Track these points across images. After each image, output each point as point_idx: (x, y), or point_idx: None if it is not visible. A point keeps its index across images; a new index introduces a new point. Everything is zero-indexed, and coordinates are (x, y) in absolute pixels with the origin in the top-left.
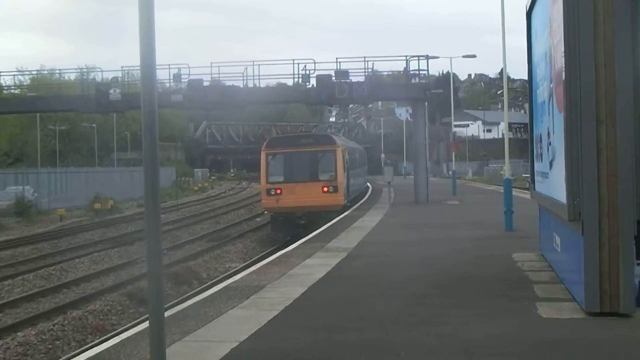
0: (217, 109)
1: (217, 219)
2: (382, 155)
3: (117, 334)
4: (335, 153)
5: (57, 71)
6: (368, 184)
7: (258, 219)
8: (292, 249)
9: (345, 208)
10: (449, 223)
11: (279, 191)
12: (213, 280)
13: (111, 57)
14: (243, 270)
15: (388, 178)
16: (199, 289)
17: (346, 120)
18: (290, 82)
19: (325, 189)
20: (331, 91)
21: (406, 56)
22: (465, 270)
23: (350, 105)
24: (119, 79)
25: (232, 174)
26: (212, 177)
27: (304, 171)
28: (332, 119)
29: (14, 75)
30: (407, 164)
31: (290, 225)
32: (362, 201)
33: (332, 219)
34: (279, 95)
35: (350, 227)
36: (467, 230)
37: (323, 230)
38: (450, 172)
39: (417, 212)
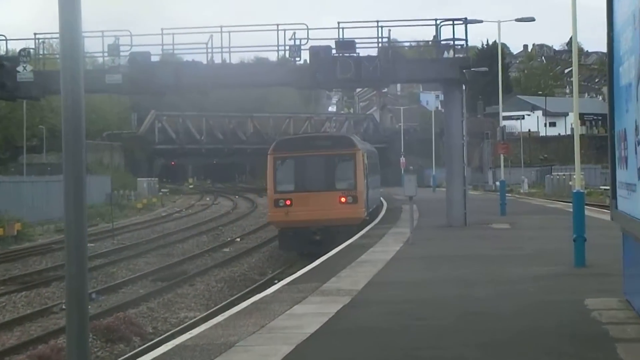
0: (171, 94)
1: (169, 249)
2: (402, 160)
3: None
4: (354, 157)
5: None
6: (381, 198)
7: (227, 249)
8: (275, 292)
9: (364, 223)
10: (496, 256)
11: (288, 202)
12: (162, 337)
13: (21, 21)
14: (205, 322)
15: (410, 191)
16: (141, 348)
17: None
18: (273, 57)
19: (343, 199)
20: (331, 69)
21: (436, 20)
22: (519, 324)
23: (358, 90)
24: (31, 51)
25: (191, 185)
26: (164, 190)
27: (319, 179)
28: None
29: None
30: (438, 171)
31: (303, 242)
32: (373, 223)
33: (351, 235)
34: (258, 76)
35: (357, 261)
36: (522, 265)
37: (319, 265)
38: (498, 183)
39: (450, 239)
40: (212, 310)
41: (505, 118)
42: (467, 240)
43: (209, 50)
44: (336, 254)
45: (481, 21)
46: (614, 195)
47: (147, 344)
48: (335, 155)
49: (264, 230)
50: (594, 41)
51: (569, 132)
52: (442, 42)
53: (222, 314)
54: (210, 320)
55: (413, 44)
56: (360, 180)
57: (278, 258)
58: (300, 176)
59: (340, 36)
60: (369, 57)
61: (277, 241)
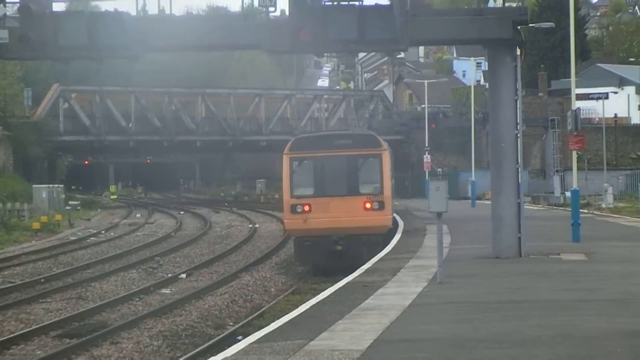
0: (84, 59)
1: (80, 290)
2: (427, 159)
3: None
4: (380, 158)
5: None
6: (395, 215)
7: (166, 290)
8: (237, 355)
9: (390, 232)
10: (566, 301)
11: (307, 208)
12: None
13: None
14: None
15: (438, 206)
16: None
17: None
18: (235, 6)
19: (369, 205)
20: (320, 25)
21: None
22: None
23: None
24: None
25: (114, 196)
26: (72, 203)
27: (341, 182)
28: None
29: None
30: (479, 176)
31: (322, 252)
32: (383, 252)
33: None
34: (213, 34)
35: (360, 308)
36: (604, 316)
37: (304, 312)
38: (568, 194)
39: (497, 276)
40: None
41: (580, 97)
42: (522, 278)
43: None
44: (330, 296)
45: None
46: None
47: None
48: (359, 155)
49: (224, 260)
50: None
51: None
52: None
53: None
54: None
55: None
56: (387, 184)
57: (245, 300)
58: (320, 179)
59: None
60: (377, 8)
61: (294, 252)
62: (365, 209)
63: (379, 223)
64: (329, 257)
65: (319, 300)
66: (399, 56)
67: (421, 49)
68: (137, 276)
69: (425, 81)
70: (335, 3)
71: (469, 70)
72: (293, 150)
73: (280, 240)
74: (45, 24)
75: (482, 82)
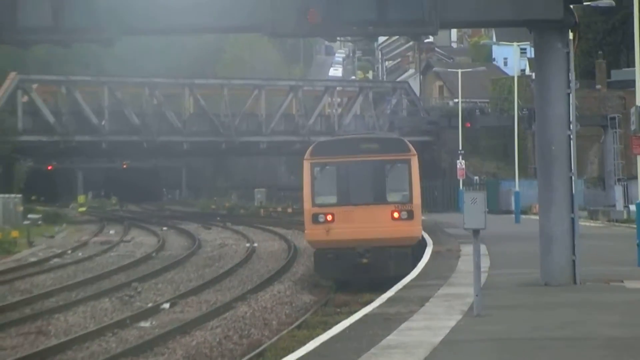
0: (48, 43)
1: (41, 323)
2: (460, 164)
3: None
4: (409, 164)
5: None
6: (422, 233)
7: (146, 324)
8: None
9: (419, 246)
10: (631, 339)
11: (330, 218)
12: None
13: None
14: None
15: (473, 221)
16: None
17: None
18: None
19: (397, 214)
20: (332, 4)
21: None
22: None
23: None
24: None
25: (83, 208)
26: (32, 217)
27: (366, 189)
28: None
29: None
30: (524, 186)
31: (346, 266)
32: (409, 278)
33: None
34: (203, 13)
35: (380, 346)
36: None
37: (312, 351)
38: (633, 207)
39: (546, 308)
40: None
41: None
42: (577, 310)
43: None
44: (344, 331)
45: None
46: None
47: None
48: (386, 160)
49: (215, 286)
50: None
51: None
52: None
53: None
54: None
55: None
56: (416, 191)
57: (241, 336)
58: (344, 186)
59: None
60: None
61: (314, 266)
62: (393, 218)
63: (408, 234)
64: (354, 271)
65: (330, 336)
66: (426, 40)
67: (453, 32)
68: (110, 306)
69: (459, 70)
70: None
71: (512, 57)
72: (314, 155)
73: (283, 263)
74: (1, 2)
75: (527, 71)
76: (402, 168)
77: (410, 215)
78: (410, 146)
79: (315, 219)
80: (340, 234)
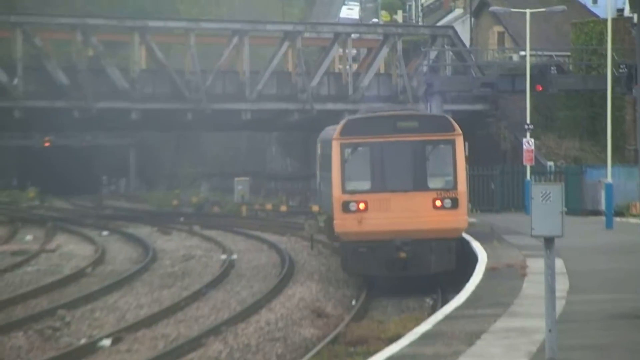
0: None
1: None
2: (528, 143)
3: None
4: (454, 145)
5: None
6: (468, 238)
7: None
8: None
9: (464, 249)
10: None
11: (362, 206)
12: None
13: None
14: None
15: (545, 225)
16: None
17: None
18: None
19: (439, 202)
20: None
21: None
22: None
23: None
24: None
25: None
26: None
27: (405, 174)
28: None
29: None
30: (620, 173)
31: (380, 261)
32: (453, 306)
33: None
34: None
35: None
36: None
37: None
38: None
39: None
40: None
41: None
42: None
43: None
44: None
45: None
46: None
47: None
48: (428, 141)
49: (177, 316)
50: None
51: None
52: None
53: None
54: None
55: None
56: (461, 177)
57: None
58: (379, 170)
59: None
60: None
61: (343, 261)
62: (435, 207)
63: (451, 225)
64: (389, 267)
65: None
66: None
67: None
68: (25, 343)
69: (527, 10)
70: None
71: None
72: (345, 134)
73: (274, 282)
74: None
75: (626, 12)
76: (446, 150)
77: (455, 203)
78: (455, 124)
79: (345, 207)
80: (375, 225)
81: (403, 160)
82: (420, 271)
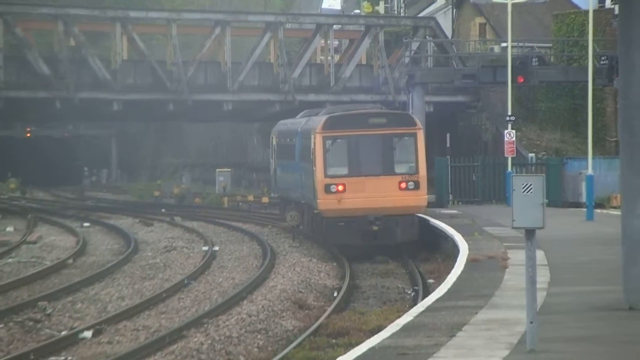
0: None
1: None
2: (509, 135)
3: None
4: (415, 137)
5: None
6: (450, 230)
7: (57, 359)
8: None
9: (429, 232)
10: None
11: (341, 188)
12: None
13: None
14: None
15: (526, 217)
16: None
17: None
18: None
19: (404, 184)
20: None
21: None
22: None
23: None
24: None
25: None
26: None
27: (376, 161)
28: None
29: None
30: (600, 164)
31: (356, 233)
32: (435, 296)
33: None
34: None
35: None
36: None
37: None
38: None
39: (632, 341)
40: None
41: None
42: None
43: None
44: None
45: None
46: None
47: None
48: (394, 134)
49: (158, 307)
50: None
51: None
52: None
53: None
54: None
55: None
56: (422, 163)
57: None
58: (354, 158)
59: None
60: None
61: (324, 234)
62: (401, 188)
63: (414, 203)
64: (363, 238)
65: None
66: None
67: None
68: (6, 335)
69: (509, 2)
70: None
71: None
72: (326, 129)
73: (256, 273)
74: None
75: (607, 4)
76: (409, 141)
77: (417, 185)
78: (417, 120)
79: (327, 189)
80: (352, 203)
81: (374, 150)
82: (389, 241)
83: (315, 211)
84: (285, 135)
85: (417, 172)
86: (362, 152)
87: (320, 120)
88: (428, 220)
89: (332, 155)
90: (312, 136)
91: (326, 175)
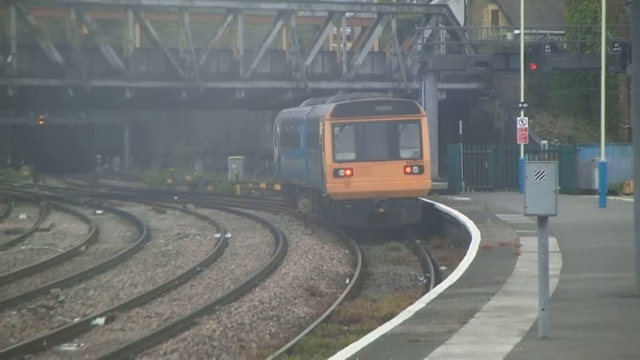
0: None
1: None
2: (522, 122)
3: None
4: (420, 124)
5: None
6: (462, 217)
7: (71, 347)
8: None
9: (433, 214)
10: None
11: (349, 172)
12: None
13: None
14: None
15: (539, 204)
16: None
17: None
18: None
19: (409, 169)
20: None
21: None
22: None
23: None
24: None
25: None
26: None
27: (381, 147)
28: None
29: None
30: (614, 151)
31: (363, 215)
32: (447, 284)
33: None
34: None
35: None
36: None
37: None
38: None
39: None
40: None
41: None
42: None
43: None
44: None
45: None
46: None
47: None
48: (400, 121)
49: (171, 294)
50: None
51: None
52: None
53: None
54: None
55: None
56: (426, 149)
57: None
58: (361, 144)
59: None
60: None
61: (332, 216)
62: (406, 172)
63: (419, 187)
64: (370, 219)
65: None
66: None
67: None
68: (19, 321)
69: None
70: None
71: None
72: (334, 116)
73: (268, 261)
74: None
75: None
76: (414, 128)
77: (421, 169)
78: (421, 107)
79: (336, 173)
80: (359, 187)
81: (380, 136)
82: (394, 223)
83: (324, 194)
84: (290, 123)
85: (421, 157)
86: (369, 138)
87: (328, 108)
88: (433, 204)
89: (340, 141)
90: (321, 123)
91: (334, 160)
